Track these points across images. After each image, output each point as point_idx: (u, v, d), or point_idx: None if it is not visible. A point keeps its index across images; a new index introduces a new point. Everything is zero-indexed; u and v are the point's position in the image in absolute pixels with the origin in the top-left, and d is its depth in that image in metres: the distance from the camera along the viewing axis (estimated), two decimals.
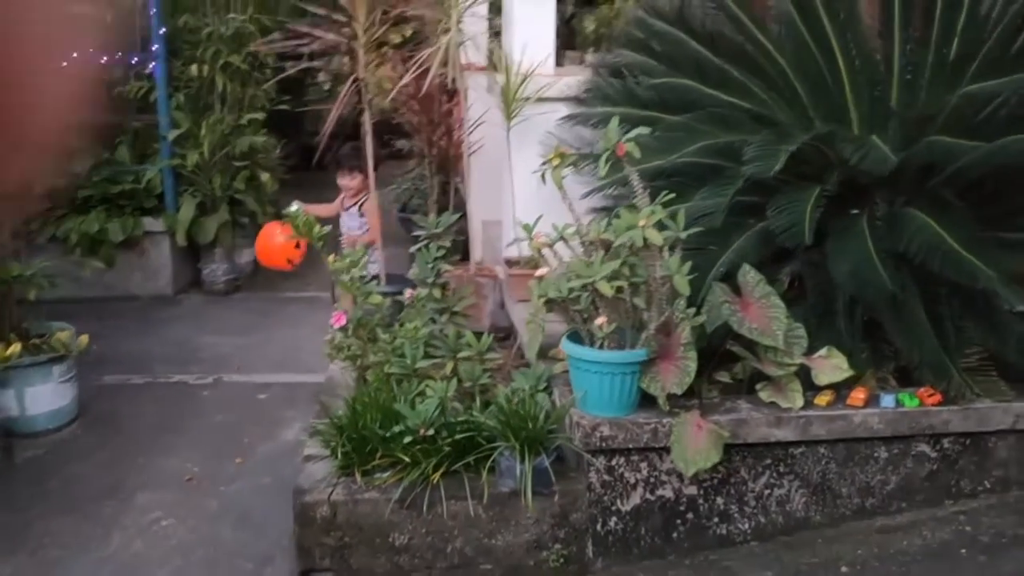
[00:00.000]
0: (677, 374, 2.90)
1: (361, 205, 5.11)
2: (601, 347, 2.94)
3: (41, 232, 6.26)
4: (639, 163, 3.76)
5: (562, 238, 2.91)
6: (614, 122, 2.96)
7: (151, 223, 6.46)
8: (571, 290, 2.76)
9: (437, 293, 3.92)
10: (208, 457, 3.91)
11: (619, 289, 2.87)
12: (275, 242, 4.57)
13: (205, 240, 6.46)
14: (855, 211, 3.41)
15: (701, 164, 3.69)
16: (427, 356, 3.51)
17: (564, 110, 4.28)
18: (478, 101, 5.12)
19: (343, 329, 3.43)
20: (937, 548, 2.95)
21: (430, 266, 3.93)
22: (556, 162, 2.95)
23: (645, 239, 2.70)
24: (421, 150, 6.52)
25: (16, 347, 3.35)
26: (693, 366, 2.89)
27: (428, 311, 3.88)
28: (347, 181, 5.13)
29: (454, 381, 3.25)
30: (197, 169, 6.43)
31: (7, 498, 3.57)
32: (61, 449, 3.98)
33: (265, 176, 6.51)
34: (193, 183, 6.51)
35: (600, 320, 2.81)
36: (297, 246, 4.41)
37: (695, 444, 2.84)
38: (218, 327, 5.78)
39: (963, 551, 2.91)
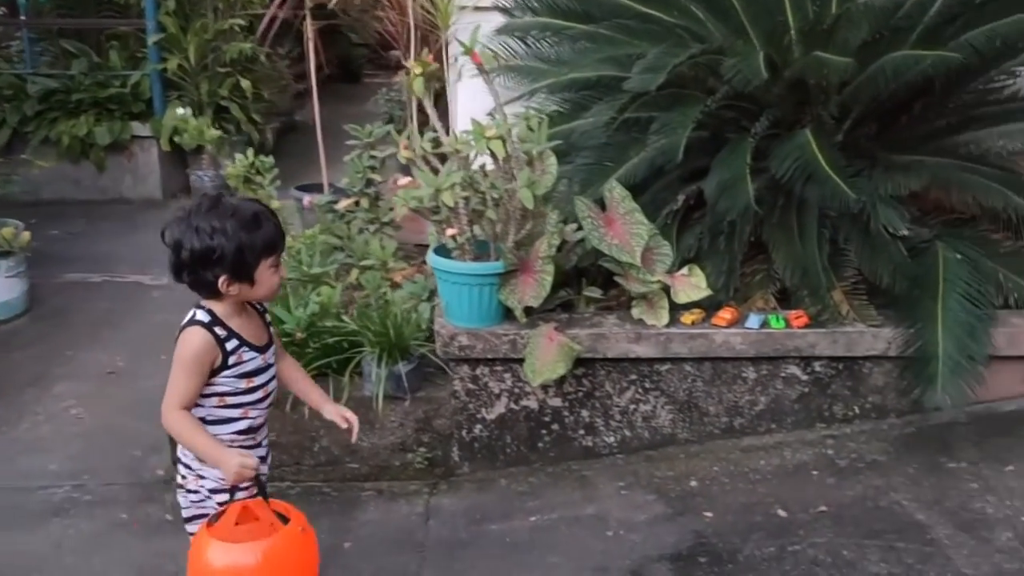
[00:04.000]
0: (534, 287, 2.92)
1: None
2: (464, 259, 2.97)
3: (35, 134, 6.47)
4: (552, 76, 3.75)
5: (424, 149, 2.92)
6: (476, 29, 2.92)
7: (139, 128, 6.60)
8: (420, 200, 2.79)
9: (366, 203, 3.98)
10: (137, 353, 4.09)
11: (481, 200, 2.89)
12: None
13: (190, 146, 6.59)
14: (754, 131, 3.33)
15: (616, 77, 3.63)
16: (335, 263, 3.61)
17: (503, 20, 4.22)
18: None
19: None
20: (791, 469, 2.97)
21: (360, 175, 3.98)
22: (418, 71, 2.94)
23: (491, 151, 2.69)
24: (398, 60, 6.49)
25: None
26: (549, 280, 2.91)
27: (358, 221, 3.95)
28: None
29: (338, 288, 3.34)
30: (184, 75, 6.52)
31: None
32: (3, 339, 4.22)
33: (245, 84, 6.55)
34: (180, 89, 6.62)
35: (451, 231, 2.84)
36: None
37: (544, 356, 2.88)
38: None
39: (815, 473, 2.92)
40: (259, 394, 2.14)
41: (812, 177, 2.90)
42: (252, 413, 2.15)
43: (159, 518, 2.93)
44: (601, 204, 3.06)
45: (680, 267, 3.08)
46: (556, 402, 3.11)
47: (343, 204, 3.98)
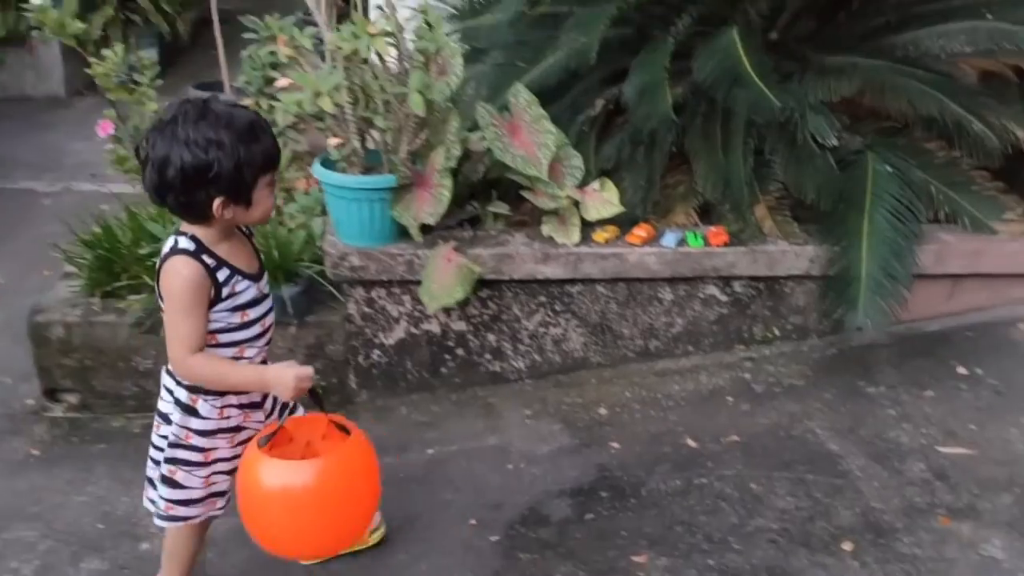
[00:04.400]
0: (431, 203, 2.67)
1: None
2: (353, 171, 2.70)
3: None
4: None
5: (304, 46, 2.60)
6: None
7: None
8: (299, 105, 2.49)
9: (264, 105, 3.64)
10: (20, 269, 3.79)
11: (373, 107, 2.60)
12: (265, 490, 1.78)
13: (91, 38, 6.07)
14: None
15: None
16: None
17: None
18: None
19: (116, 139, 3.19)
20: (706, 394, 2.82)
21: (258, 73, 3.62)
22: None
23: (374, 50, 2.39)
24: None
25: None
26: (448, 195, 2.65)
27: None
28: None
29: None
30: None
31: None
32: None
33: None
34: None
35: (333, 140, 2.56)
36: None
37: (441, 279, 2.65)
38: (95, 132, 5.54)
39: (730, 399, 2.78)
40: (256, 329, 1.86)
41: (736, 82, 2.65)
42: (248, 352, 1.86)
43: (24, 453, 2.71)
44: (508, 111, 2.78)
45: (600, 179, 2.85)
46: (460, 326, 2.90)
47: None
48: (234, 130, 1.67)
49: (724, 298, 2.93)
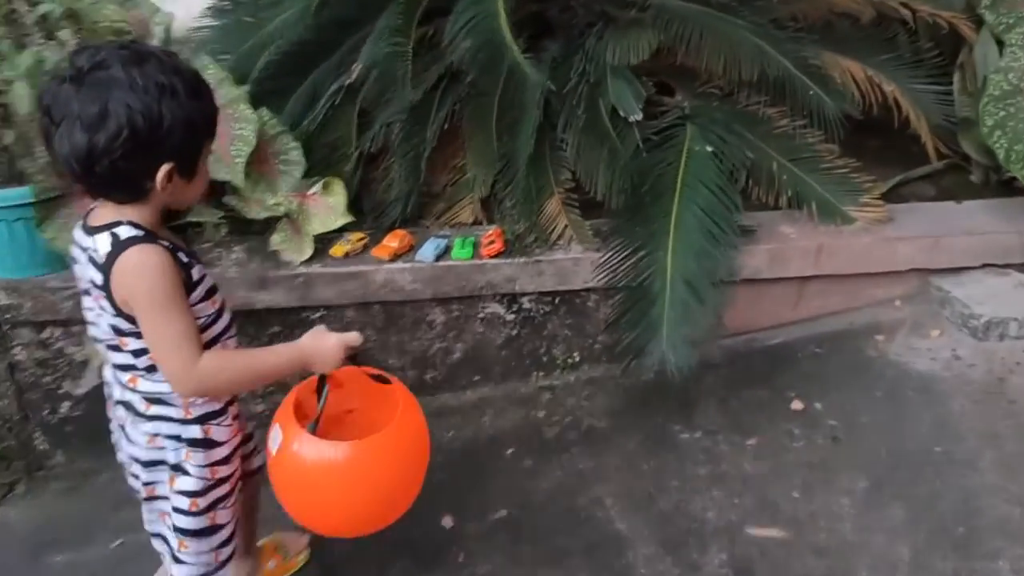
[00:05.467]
0: None
1: None
2: None
3: None
4: None
5: None
6: None
7: None
8: None
9: None
10: None
11: None
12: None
13: None
14: None
15: None
16: None
17: None
18: None
19: None
20: (484, 443, 2.23)
21: None
22: None
23: None
24: None
25: None
26: None
27: None
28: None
29: None
30: None
31: None
32: None
33: None
34: None
35: None
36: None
37: None
38: None
39: (511, 451, 2.19)
40: (226, 317, 1.51)
41: (488, 50, 1.99)
42: (231, 344, 1.52)
43: None
44: None
45: (325, 179, 2.19)
46: None
47: None
48: (184, 78, 1.30)
49: (511, 317, 2.32)
